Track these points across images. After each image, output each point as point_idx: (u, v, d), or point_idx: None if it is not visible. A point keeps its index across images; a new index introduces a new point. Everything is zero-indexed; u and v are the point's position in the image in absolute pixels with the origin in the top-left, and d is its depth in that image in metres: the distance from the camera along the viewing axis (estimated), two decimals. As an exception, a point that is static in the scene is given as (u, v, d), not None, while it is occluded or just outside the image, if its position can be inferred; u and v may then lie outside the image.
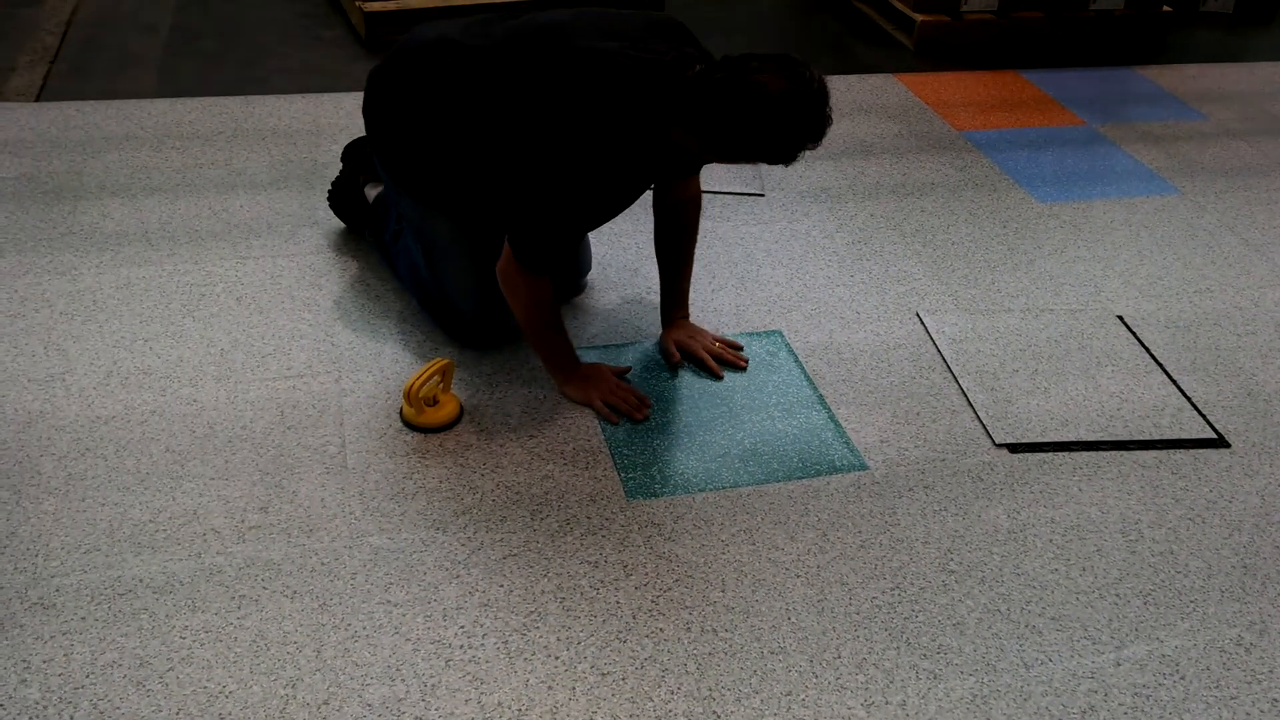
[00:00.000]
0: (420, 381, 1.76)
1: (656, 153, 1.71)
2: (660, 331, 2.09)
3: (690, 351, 2.03)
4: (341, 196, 2.29)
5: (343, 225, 2.34)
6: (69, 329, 1.98)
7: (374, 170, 2.25)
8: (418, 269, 2.03)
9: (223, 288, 2.13)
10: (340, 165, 2.34)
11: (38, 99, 2.84)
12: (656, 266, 2.07)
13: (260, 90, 2.99)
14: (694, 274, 2.13)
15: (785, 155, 1.58)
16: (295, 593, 1.51)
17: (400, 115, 1.87)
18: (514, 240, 1.73)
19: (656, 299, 2.19)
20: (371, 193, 2.23)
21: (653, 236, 2.03)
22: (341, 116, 2.84)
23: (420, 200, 1.92)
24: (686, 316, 2.10)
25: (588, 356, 2.03)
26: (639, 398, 1.91)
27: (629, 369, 2.00)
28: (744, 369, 2.03)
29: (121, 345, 1.95)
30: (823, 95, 1.54)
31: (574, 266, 2.19)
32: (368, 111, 1.93)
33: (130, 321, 2.02)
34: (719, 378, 2.00)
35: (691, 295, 2.17)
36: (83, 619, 1.44)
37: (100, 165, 2.53)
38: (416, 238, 1.98)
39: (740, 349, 2.07)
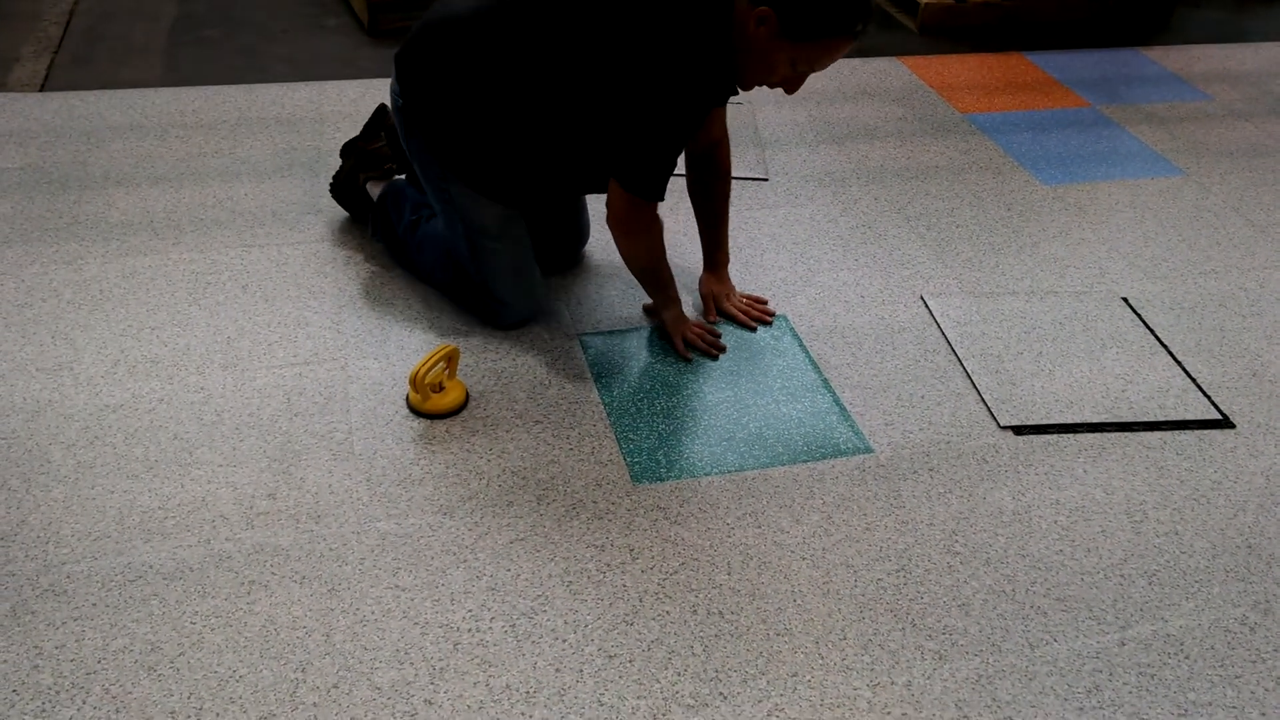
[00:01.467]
0: (426, 368, 1.77)
1: (728, 54, 1.72)
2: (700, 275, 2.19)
3: (720, 307, 2.14)
4: (343, 191, 2.29)
5: (347, 214, 2.34)
6: (76, 318, 1.99)
7: (375, 167, 2.23)
8: (451, 256, 2.02)
9: (228, 276, 2.14)
10: (340, 161, 2.33)
11: (42, 89, 2.84)
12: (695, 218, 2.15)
13: (264, 79, 2.99)
14: (700, 260, 2.15)
15: (856, 17, 1.62)
16: (304, 578, 1.52)
17: (454, 97, 1.82)
18: (629, 176, 1.78)
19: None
20: (374, 189, 2.22)
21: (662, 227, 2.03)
22: (345, 104, 2.85)
23: (471, 184, 1.90)
24: (727, 262, 2.18)
25: (591, 344, 2.03)
26: (716, 339, 2.06)
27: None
28: (770, 323, 2.13)
29: (128, 334, 1.96)
30: None
31: (575, 235, 2.22)
32: (408, 97, 1.88)
33: (137, 310, 2.02)
34: (752, 329, 2.11)
35: (696, 282, 2.17)
36: (94, 605, 1.46)
37: (105, 155, 2.54)
38: (461, 221, 1.95)
39: (765, 302, 2.18)
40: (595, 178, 1.92)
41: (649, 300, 2.09)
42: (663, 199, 1.82)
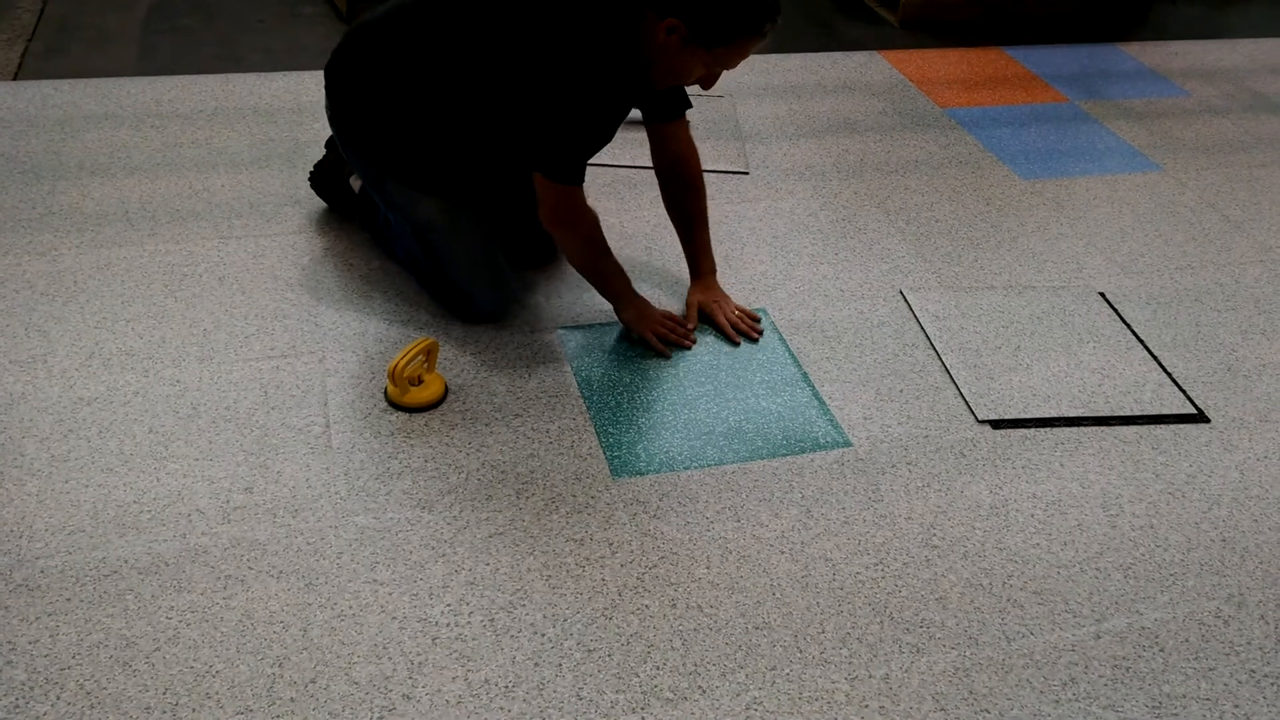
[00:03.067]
0: (405, 361, 1.76)
1: (637, 61, 1.75)
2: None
3: (710, 316, 2.08)
4: (324, 182, 2.27)
5: (325, 205, 2.33)
6: (50, 310, 1.97)
7: None
8: (414, 252, 2.03)
9: (205, 268, 2.12)
10: (324, 151, 2.32)
11: (14, 78, 2.80)
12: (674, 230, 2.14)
13: (240, 68, 2.96)
14: (679, 254, 2.14)
15: (764, 17, 1.65)
16: (281, 572, 1.51)
17: (376, 97, 1.86)
18: (542, 161, 1.77)
19: (639, 278, 2.19)
20: (358, 182, 2.21)
21: (633, 228, 2.06)
22: (322, 94, 2.82)
23: (406, 182, 1.91)
24: (713, 272, 2.14)
25: (570, 338, 2.03)
26: (686, 329, 2.03)
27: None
28: (756, 341, 2.06)
29: (103, 326, 1.94)
30: None
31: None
32: (335, 105, 1.92)
33: (111, 302, 2.00)
34: (735, 344, 2.05)
35: (677, 275, 2.17)
36: (68, 600, 1.44)
37: (79, 145, 2.51)
38: (406, 221, 1.97)
39: (758, 320, 2.10)
40: (513, 165, 1.96)
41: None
42: (580, 182, 1.80)
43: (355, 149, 1.93)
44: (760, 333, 2.08)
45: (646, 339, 2.00)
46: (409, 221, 1.96)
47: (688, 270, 2.15)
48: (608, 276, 1.98)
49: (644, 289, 2.11)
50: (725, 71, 1.77)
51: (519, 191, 2.10)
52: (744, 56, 1.72)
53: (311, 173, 2.29)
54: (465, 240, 1.97)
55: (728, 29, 1.66)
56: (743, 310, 2.10)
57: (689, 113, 2.03)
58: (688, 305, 2.10)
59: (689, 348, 2.01)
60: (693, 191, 2.07)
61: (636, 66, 1.76)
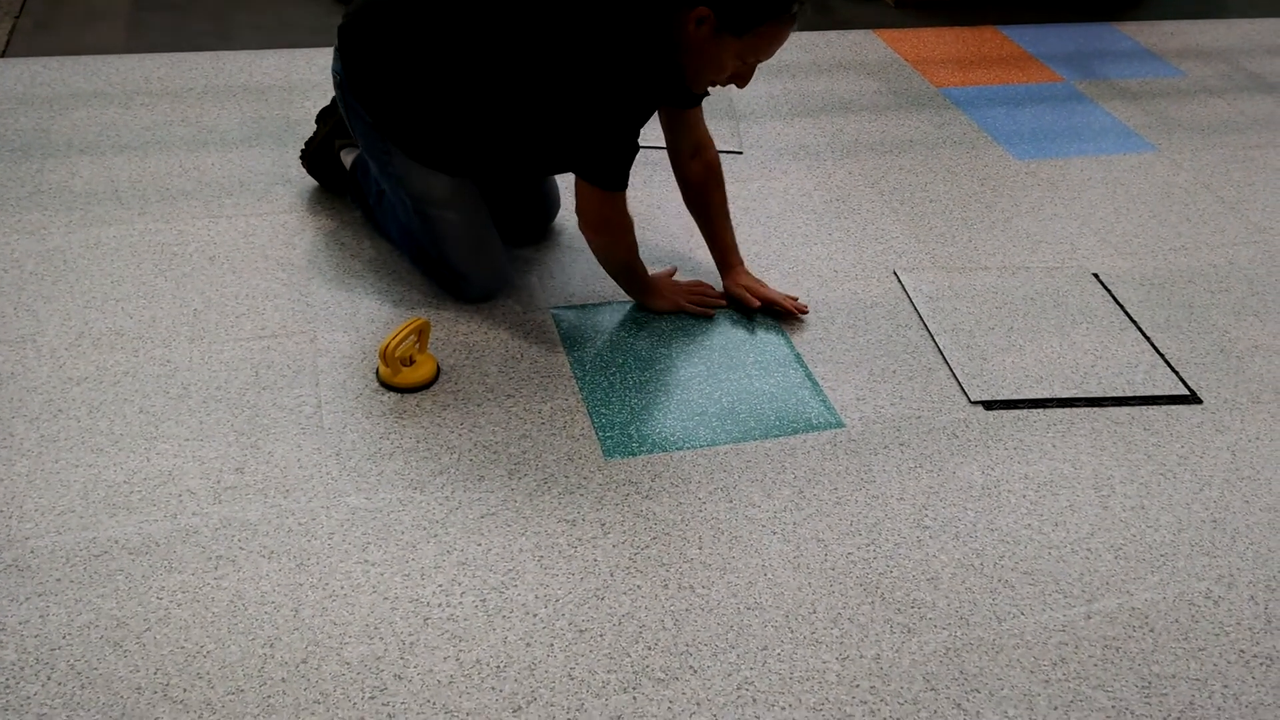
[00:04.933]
0: (396, 341, 1.75)
1: (670, 58, 1.74)
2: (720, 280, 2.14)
3: (764, 297, 2.07)
4: (316, 159, 2.26)
5: (316, 183, 2.31)
6: (39, 289, 1.96)
7: (346, 135, 2.21)
8: (409, 228, 2.01)
9: (195, 247, 2.11)
10: (315, 126, 2.30)
11: (2, 55, 2.78)
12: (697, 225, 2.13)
13: (231, 46, 2.94)
14: (673, 232, 2.13)
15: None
16: (272, 553, 1.51)
17: (394, 66, 1.82)
18: (588, 168, 1.79)
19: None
20: (348, 158, 2.20)
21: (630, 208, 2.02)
22: (315, 72, 2.80)
23: (413, 155, 1.88)
24: (743, 264, 2.12)
25: (563, 318, 2.02)
26: (711, 291, 2.07)
27: (675, 269, 2.13)
28: (806, 312, 2.09)
29: (93, 306, 1.93)
30: None
31: (543, 207, 2.21)
32: (349, 67, 1.87)
33: (101, 281, 1.99)
34: (800, 316, 2.07)
35: (669, 255, 2.16)
36: (58, 580, 1.44)
37: (68, 122, 2.49)
38: (407, 195, 1.94)
39: (796, 299, 2.11)
40: (536, 159, 1.95)
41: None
42: (625, 187, 1.81)
43: (362, 114, 1.88)
44: (805, 309, 2.09)
45: (686, 309, 2.04)
46: (409, 195, 1.94)
47: (714, 263, 2.13)
48: (637, 276, 2.00)
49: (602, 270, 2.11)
50: (759, 64, 1.75)
51: (520, 172, 2.09)
52: (776, 44, 1.70)
53: (303, 150, 2.27)
54: (465, 219, 1.95)
55: (755, 11, 1.64)
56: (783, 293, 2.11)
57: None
58: (738, 295, 2.07)
59: (724, 305, 2.07)
60: (714, 180, 2.06)
61: (670, 67, 1.75)
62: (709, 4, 1.64)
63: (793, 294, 2.12)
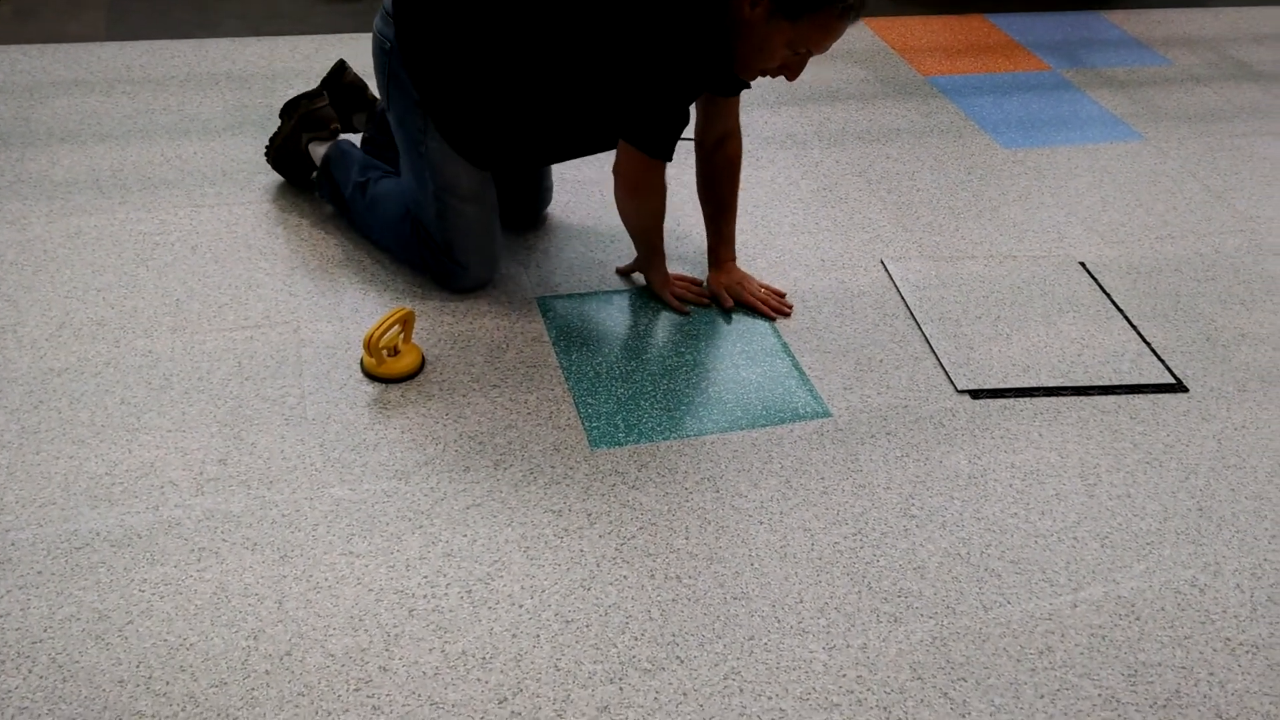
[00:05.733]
0: (380, 331, 1.74)
1: (722, 38, 1.72)
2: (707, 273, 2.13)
3: (739, 298, 2.06)
4: (283, 155, 2.21)
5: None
6: (19, 279, 1.94)
7: (320, 128, 2.16)
8: (410, 215, 1.97)
9: (177, 236, 2.09)
10: (279, 121, 2.25)
11: (-18, 42, 2.75)
12: (701, 211, 2.11)
13: (214, 34, 2.91)
14: (686, 211, 2.13)
15: None
16: (256, 545, 1.49)
17: (452, 46, 1.78)
18: (639, 136, 1.78)
19: (618, 248, 2.18)
20: (318, 150, 2.16)
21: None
22: (298, 60, 2.78)
23: (452, 142, 1.85)
24: (733, 260, 2.11)
25: (549, 307, 2.01)
26: (697, 289, 2.06)
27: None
28: (789, 315, 2.06)
29: (74, 296, 1.91)
30: None
31: (538, 196, 2.20)
32: (404, 32, 1.81)
33: (82, 271, 1.97)
34: (772, 319, 2.04)
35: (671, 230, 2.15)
36: (39, 573, 1.43)
37: (48, 111, 2.46)
38: (432, 179, 1.90)
39: (784, 295, 2.10)
40: (580, 144, 1.95)
41: (624, 265, 2.11)
42: (670, 157, 1.82)
43: (408, 86, 1.84)
44: (791, 307, 2.07)
45: (668, 300, 2.03)
46: (435, 180, 1.90)
47: (707, 252, 2.12)
48: (653, 244, 2.00)
49: (592, 257, 2.10)
50: (812, 57, 1.74)
51: (553, 153, 2.06)
52: (830, 36, 1.67)
53: (268, 146, 2.22)
54: (481, 215, 1.95)
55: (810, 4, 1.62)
56: (769, 287, 2.10)
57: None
58: (715, 291, 2.07)
59: (705, 305, 2.04)
60: (730, 172, 2.04)
61: (722, 46, 1.74)
62: None
63: (780, 288, 2.11)
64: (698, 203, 2.09)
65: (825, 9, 1.62)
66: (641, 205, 1.91)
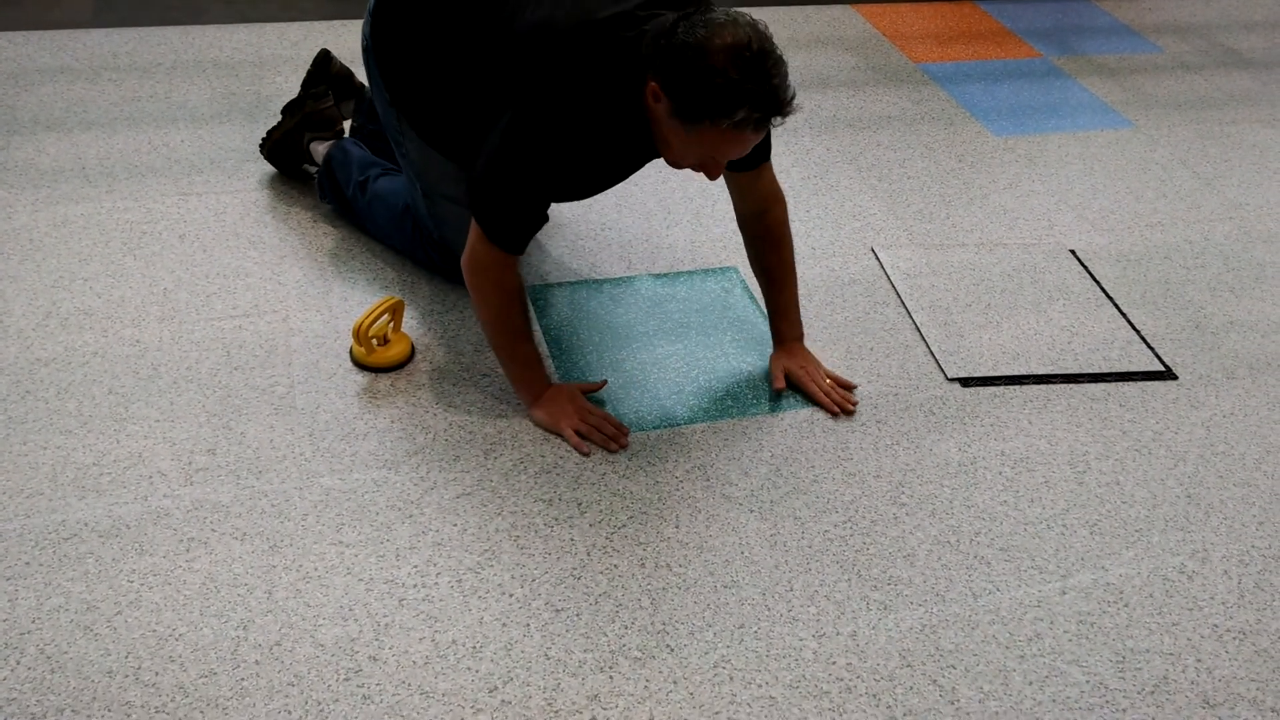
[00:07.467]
0: (370, 320, 1.74)
1: (637, 129, 1.54)
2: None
3: (799, 383, 1.84)
4: (280, 150, 2.19)
5: (288, 161, 2.28)
6: (5, 269, 1.92)
7: (325, 128, 2.15)
8: (409, 211, 1.95)
9: (165, 225, 2.08)
10: (280, 116, 2.24)
11: (-34, 29, 2.73)
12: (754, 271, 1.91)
13: (201, 20, 2.89)
14: (649, 211, 2.10)
15: (739, 103, 1.40)
16: (245, 535, 1.49)
17: (420, 42, 1.74)
18: (491, 223, 1.58)
19: (607, 237, 2.17)
20: (320, 149, 2.13)
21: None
22: (286, 48, 2.76)
23: (429, 141, 1.82)
24: (800, 339, 1.89)
25: (541, 295, 2.01)
26: (616, 426, 1.71)
27: (603, 383, 1.79)
28: (852, 414, 1.82)
29: (60, 285, 1.90)
30: (764, 57, 1.41)
31: None
32: (378, 32, 1.78)
33: (69, 260, 1.96)
34: (834, 415, 1.81)
35: (647, 232, 2.14)
36: (27, 564, 1.42)
37: (34, 99, 2.44)
38: (418, 177, 1.87)
39: (853, 389, 1.87)
40: None
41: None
42: (519, 253, 1.62)
43: (384, 92, 1.82)
44: (855, 404, 1.84)
45: (566, 437, 1.69)
46: (420, 178, 1.87)
47: (770, 326, 1.91)
48: (517, 358, 1.71)
49: (582, 246, 2.09)
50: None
51: None
52: (736, 144, 1.46)
53: (264, 139, 2.21)
54: (460, 205, 1.90)
55: (698, 106, 1.41)
56: (835, 378, 1.87)
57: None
58: (772, 371, 1.86)
59: (615, 450, 1.69)
60: (774, 240, 1.82)
61: (639, 131, 1.54)
62: (658, 81, 1.43)
63: (847, 379, 1.90)
64: (681, 178, 1.96)
65: (720, 119, 1.40)
66: (480, 296, 1.65)
